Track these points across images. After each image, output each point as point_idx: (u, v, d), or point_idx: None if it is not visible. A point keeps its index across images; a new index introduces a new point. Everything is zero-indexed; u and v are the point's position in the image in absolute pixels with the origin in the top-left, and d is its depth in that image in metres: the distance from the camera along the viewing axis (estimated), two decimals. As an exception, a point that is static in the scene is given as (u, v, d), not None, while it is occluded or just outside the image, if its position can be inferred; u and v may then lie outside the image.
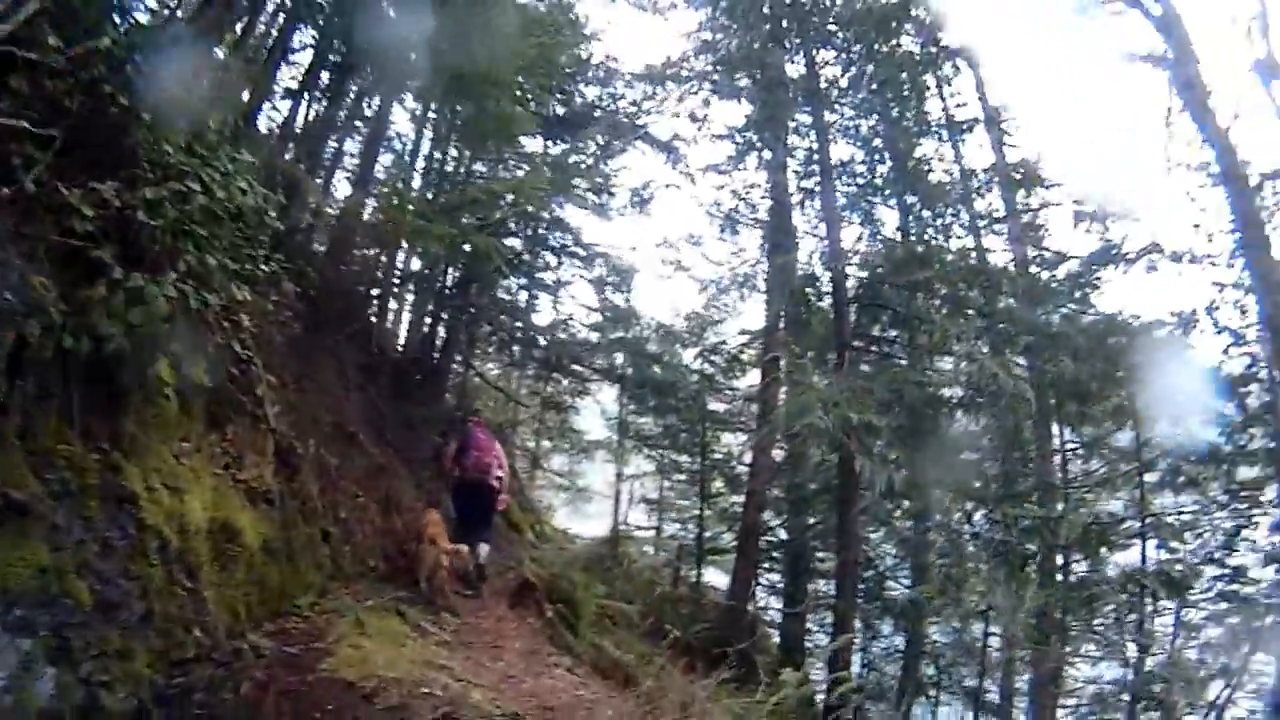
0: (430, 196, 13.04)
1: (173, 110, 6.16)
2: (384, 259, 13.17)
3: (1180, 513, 13.25)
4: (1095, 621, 13.16)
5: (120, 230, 5.53)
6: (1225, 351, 13.01)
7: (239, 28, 9.40)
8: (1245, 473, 12.87)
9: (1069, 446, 14.27)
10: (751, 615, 14.02)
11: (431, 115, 13.77)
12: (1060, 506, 12.71)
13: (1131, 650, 12.69)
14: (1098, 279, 14.49)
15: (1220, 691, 11.92)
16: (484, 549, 10.53)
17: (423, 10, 10.03)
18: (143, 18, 6.94)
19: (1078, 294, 14.82)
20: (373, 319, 13.14)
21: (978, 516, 13.69)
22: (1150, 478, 13.27)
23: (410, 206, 11.05)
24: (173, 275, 5.72)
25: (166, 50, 6.38)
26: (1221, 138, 11.82)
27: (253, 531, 7.08)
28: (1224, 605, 12.48)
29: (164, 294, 5.47)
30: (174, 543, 5.63)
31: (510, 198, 12.70)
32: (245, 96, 9.33)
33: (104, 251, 5.30)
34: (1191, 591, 12.49)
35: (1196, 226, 13.42)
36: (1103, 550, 12.78)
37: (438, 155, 14.64)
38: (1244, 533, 12.80)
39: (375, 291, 13.37)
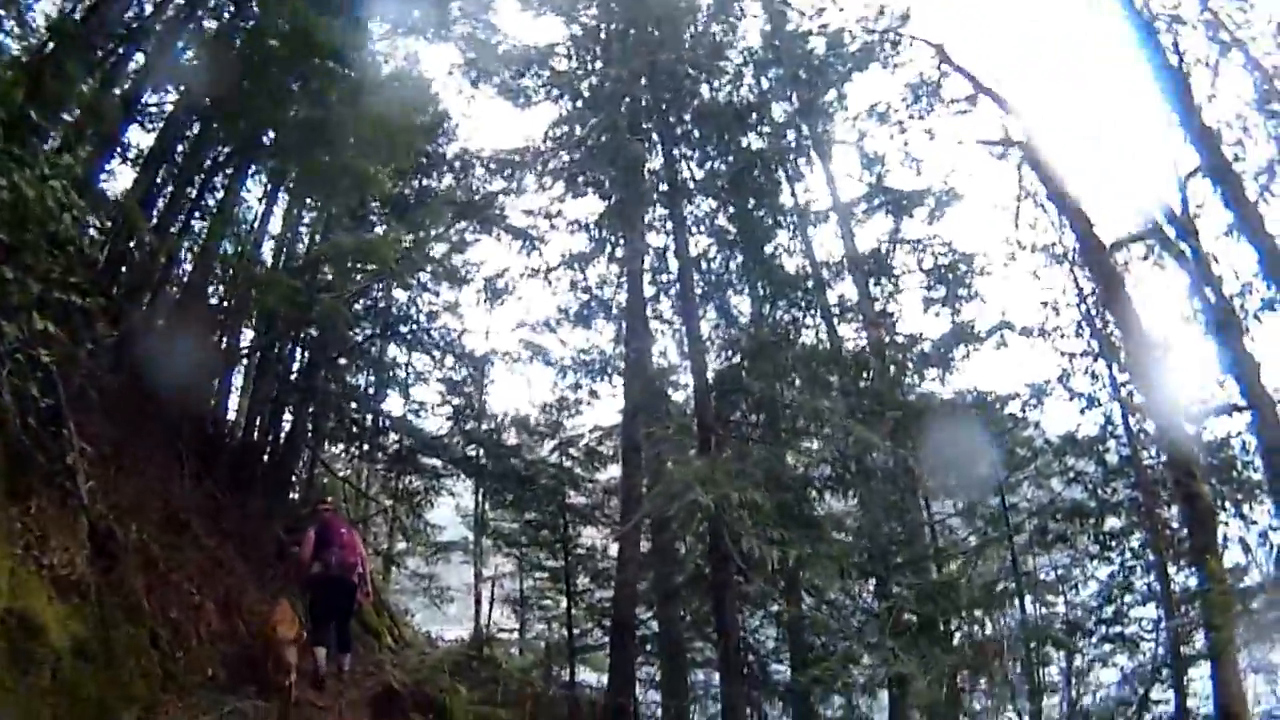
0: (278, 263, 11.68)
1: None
2: (226, 338, 11.54)
3: (1055, 568, 13.22)
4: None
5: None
6: (1081, 413, 13.23)
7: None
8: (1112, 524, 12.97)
9: (935, 518, 13.99)
10: (634, 712, 12.65)
11: (284, 194, 12.56)
12: (952, 570, 12.37)
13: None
14: (951, 358, 14.60)
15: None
16: (347, 659, 9.17)
17: (283, 66, 9.03)
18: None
19: (933, 372, 14.92)
20: (211, 402, 11.35)
21: (861, 590, 13.08)
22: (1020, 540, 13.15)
23: (256, 267, 9.73)
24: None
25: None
26: (1075, 210, 12.16)
27: (60, 629, 5.52)
28: (1108, 647, 12.43)
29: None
30: (-48, 637, 4.13)
31: (360, 269, 11.51)
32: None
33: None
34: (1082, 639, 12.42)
35: (1044, 304, 13.78)
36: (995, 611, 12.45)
37: (288, 235, 13.32)
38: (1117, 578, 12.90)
39: (215, 371, 11.63)
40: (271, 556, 10.61)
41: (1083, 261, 12.78)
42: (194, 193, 10.83)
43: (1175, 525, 12.15)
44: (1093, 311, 13.36)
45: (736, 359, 14.93)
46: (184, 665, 6.97)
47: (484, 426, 16.31)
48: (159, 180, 10.35)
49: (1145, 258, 12.65)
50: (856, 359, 14.27)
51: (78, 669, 5.52)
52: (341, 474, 16.36)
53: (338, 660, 9.03)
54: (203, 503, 9.27)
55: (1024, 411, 13.65)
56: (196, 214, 11.21)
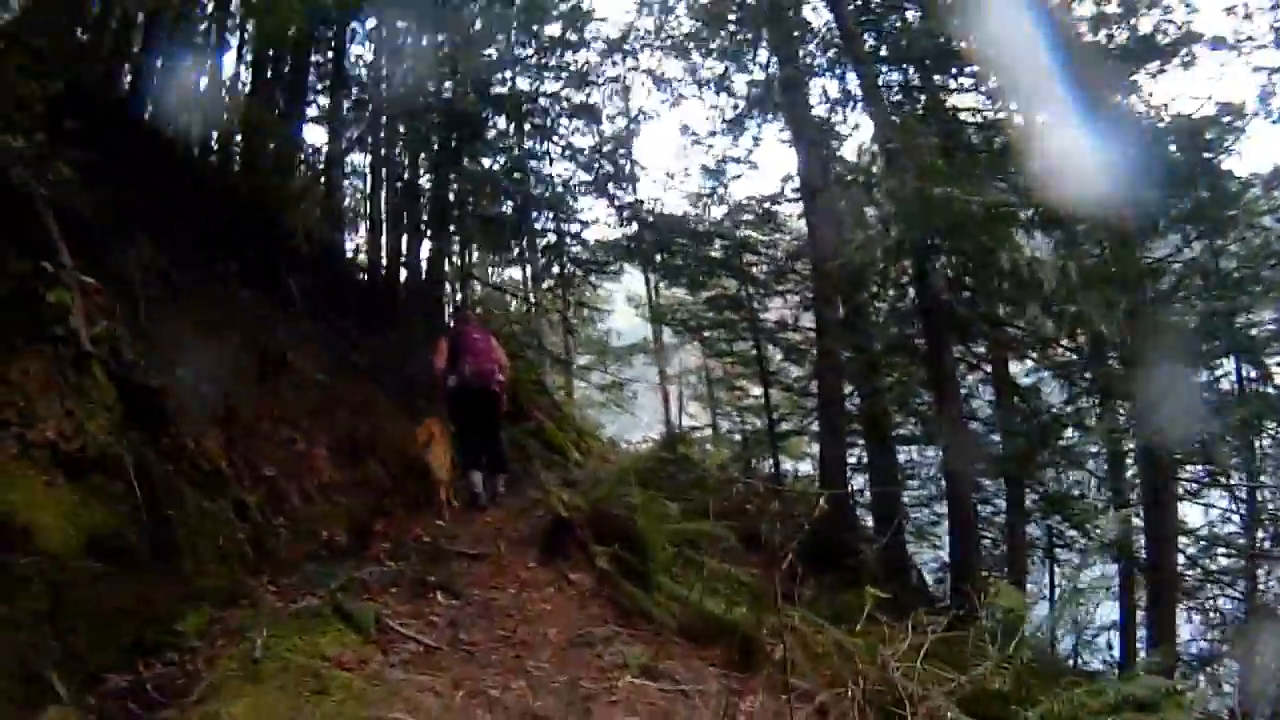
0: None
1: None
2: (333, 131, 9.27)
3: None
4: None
5: None
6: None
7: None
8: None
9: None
10: (851, 501, 10.53)
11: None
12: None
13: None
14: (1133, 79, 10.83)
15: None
16: (501, 480, 7.63)
17: None
18: None
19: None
20: (318, 210, 9.24)
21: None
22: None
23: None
24: None
25: None
26: None
27: (64, 525, 3.77)
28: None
29: None
30: None
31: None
32: None
33: None
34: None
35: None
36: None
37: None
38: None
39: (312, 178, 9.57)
40: (425, 386, 8.93)
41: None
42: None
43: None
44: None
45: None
46: (286, 534, 5.20)
47: (640, 201, 14.02)
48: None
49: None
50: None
51: (95, 574, 3.78)
52: (500, 285, 14.41)
53: (492, 484, 7.48)
54: (314, 334, 7.45)
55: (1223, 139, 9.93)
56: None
